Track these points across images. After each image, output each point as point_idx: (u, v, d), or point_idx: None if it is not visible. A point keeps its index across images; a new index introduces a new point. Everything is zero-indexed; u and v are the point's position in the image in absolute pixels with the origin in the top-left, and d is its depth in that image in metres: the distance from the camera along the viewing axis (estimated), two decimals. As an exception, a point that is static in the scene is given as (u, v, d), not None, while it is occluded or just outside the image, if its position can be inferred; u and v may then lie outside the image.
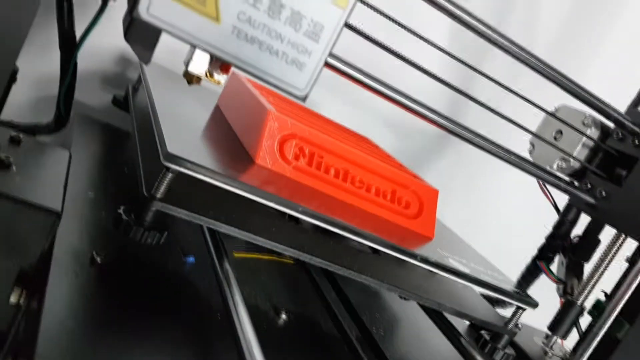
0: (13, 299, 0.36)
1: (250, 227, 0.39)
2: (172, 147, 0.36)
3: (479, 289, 0.51)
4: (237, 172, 0.39)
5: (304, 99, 0.34)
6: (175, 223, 0.50)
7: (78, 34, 0.54)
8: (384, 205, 0.49)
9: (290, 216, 0.47)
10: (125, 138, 0.66)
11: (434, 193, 0.52)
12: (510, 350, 0.51)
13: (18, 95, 0.68)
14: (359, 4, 0.35)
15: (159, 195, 0.35)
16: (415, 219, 0.51)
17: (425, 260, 0.44)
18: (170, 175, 0.35)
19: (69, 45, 0.53)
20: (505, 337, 0.51)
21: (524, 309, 0.50)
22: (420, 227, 0.51)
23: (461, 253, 0.53)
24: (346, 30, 0.35)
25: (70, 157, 0.47)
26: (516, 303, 0.50)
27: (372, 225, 0.45)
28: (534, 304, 0.50)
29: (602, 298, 0.57)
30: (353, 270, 0.42)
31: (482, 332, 0.53)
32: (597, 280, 0.57)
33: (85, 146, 0.57)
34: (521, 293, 0.51)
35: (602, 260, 0.56)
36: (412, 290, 0.46)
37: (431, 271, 0.53)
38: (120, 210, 0.36)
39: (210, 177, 0.36)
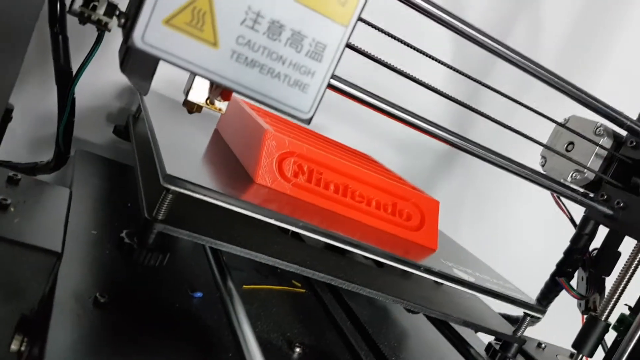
0: (14, 346, 0.35)
1: (253, 245, 0.39)
2: (172, 169, 0.36)
3: (489, 301, 0.50)
4: (236, 191, 0.39)
5: (308, 122, 0.33)
6: (181, 258, 0.49)
7: (74, 68, 0.53)
8: (385, 218, 0.49)
9: (293, 233, 0.46)
10: (126, 173, 0.65)
11: (435, 204, 0.52)
12: (520, 359, 0.51)
13: (17, 135, 0.67)
14: (360, 23, 0.34)
15: (160, 217, 0.35)
16: (417, 230, 0.50)
17: (428, 271, 0.44)
18: (170, 196, 0.35)
19: (66, 80, 0.52)
20: (515, 346, 0.51)
21: (531, 316, 0.50)
22: (423, 238, 0.50)
23: (466, 263, 0.53)
24: (346, 53, 0.34)
25: (70, 194, 0.46)
26: (522, 309, 0.50)
27: (374, 238, 0.44)
28: (541, 311, 0.50)
29: (627, 312, 0.55)
30: (357, 284, 0.42)
31: (492, 341, 0.53)
32: (620, 294, 0.55)
33: (87, 183, 0.56)
34: (528, 300, 0.50)
35: (624, 273, 0.54)
36: (418, 301, 0.45)
37: (436, 282, 0.52)
38: (123, 234, 0.35)
39: (209, 197, 0.36)
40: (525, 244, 1.01)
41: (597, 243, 0.60)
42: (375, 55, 0.38)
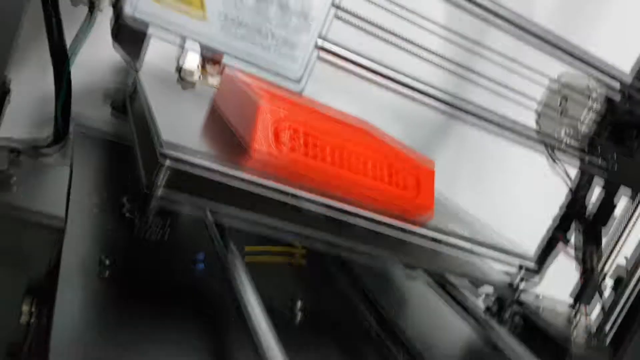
0: (24, 316, 0.36)
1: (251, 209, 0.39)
2: (168, 136, 0.36)
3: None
4: (233, 159, 0.39)
5: (298, 83, 0.34)
6: (182, 232, 0.50)
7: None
8: (381, 184, 0.49)
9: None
10: (126, 150, 0.65)
11: (431, 165, 0.52)
12: (517, 308, 0.52)
13: (17, 113, 0.67)
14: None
15: (159, 184, 0.35)
16: (413, 194, 0.51)
17: (426, 232, 0.45)
18: (168, 161, 0.35)
19: (61, 58, 0.53)
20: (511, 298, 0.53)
21: (526, 267, 0.52)
22: (420, 201, 0.51)
23: (462, 221, 0.54)
24: (340, 29, 0.35)
25: (71, 173, 0.47)
26: (517, 260, 0.51)
27: (371, 204, 0.45)
28: (535, 262, 0.52)
29: (623, 263, 0.56)
30: (355, 241, 0.42)
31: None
32: (614, 246, 0.56)
33: (86, 161, 0.56)
34: (521, 252, 0.51)
35: (619, 225, 0.55)
36: (417, 257, 0.46)
37: (434, 240, 0.52)
38: (124, 206, 0.35)
39: (206, 163, 0.36)
40: (523, 206, 1.01)
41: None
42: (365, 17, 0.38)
